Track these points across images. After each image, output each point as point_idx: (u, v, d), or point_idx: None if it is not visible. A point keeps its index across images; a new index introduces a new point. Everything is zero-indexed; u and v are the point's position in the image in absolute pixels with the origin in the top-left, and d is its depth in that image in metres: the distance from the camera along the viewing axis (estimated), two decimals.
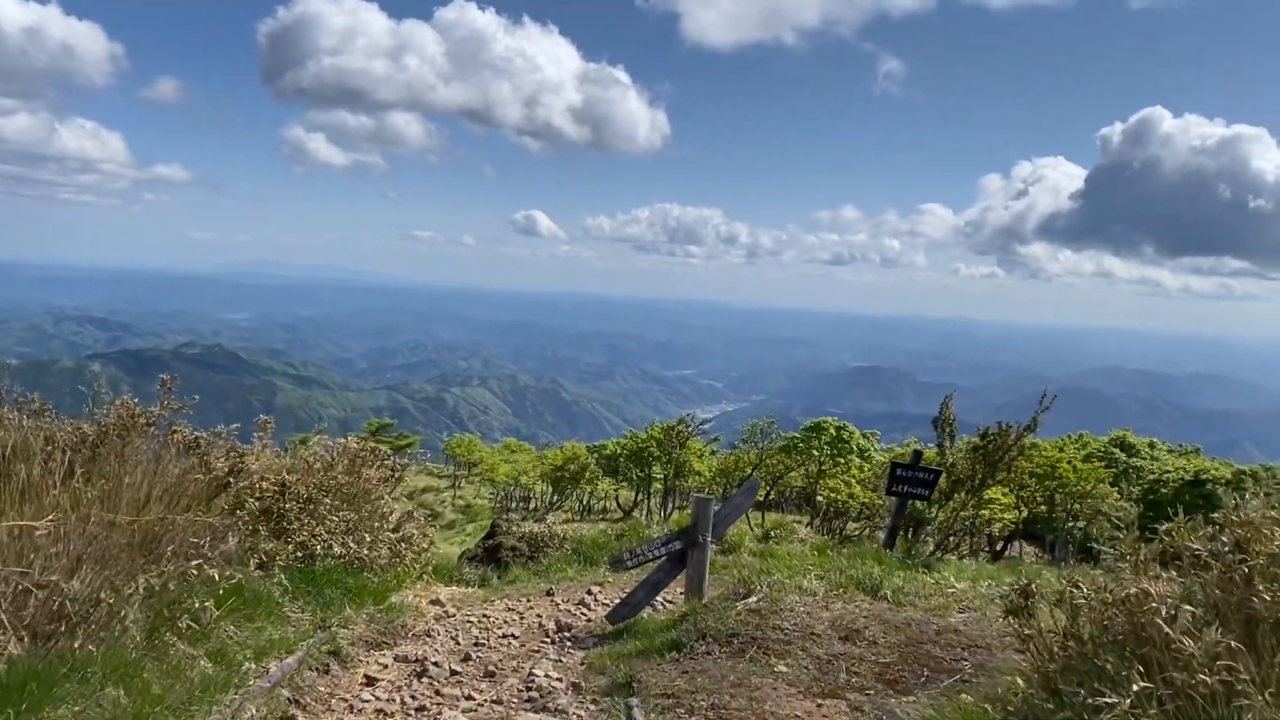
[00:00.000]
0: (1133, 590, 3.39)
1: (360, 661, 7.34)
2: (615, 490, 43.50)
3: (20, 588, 5.09)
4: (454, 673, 7.31)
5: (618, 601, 9.77)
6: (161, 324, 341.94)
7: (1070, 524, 21.64)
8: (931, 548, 15.06)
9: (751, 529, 15.36)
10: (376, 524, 9.39)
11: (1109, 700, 3.13)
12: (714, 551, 9.95)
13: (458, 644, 8.22)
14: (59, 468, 6.30)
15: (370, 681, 6.90)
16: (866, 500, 24.27)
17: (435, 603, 9.39)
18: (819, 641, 6.96)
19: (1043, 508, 21.54)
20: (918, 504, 16.08)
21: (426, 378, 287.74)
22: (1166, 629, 3.12)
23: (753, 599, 7.85)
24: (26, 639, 4.95)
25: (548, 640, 8.50)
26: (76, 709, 4.46)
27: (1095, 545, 23.69)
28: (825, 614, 7.56)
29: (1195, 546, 3.70)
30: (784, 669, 6.49)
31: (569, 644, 8.36)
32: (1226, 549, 3.59)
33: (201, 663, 5.61)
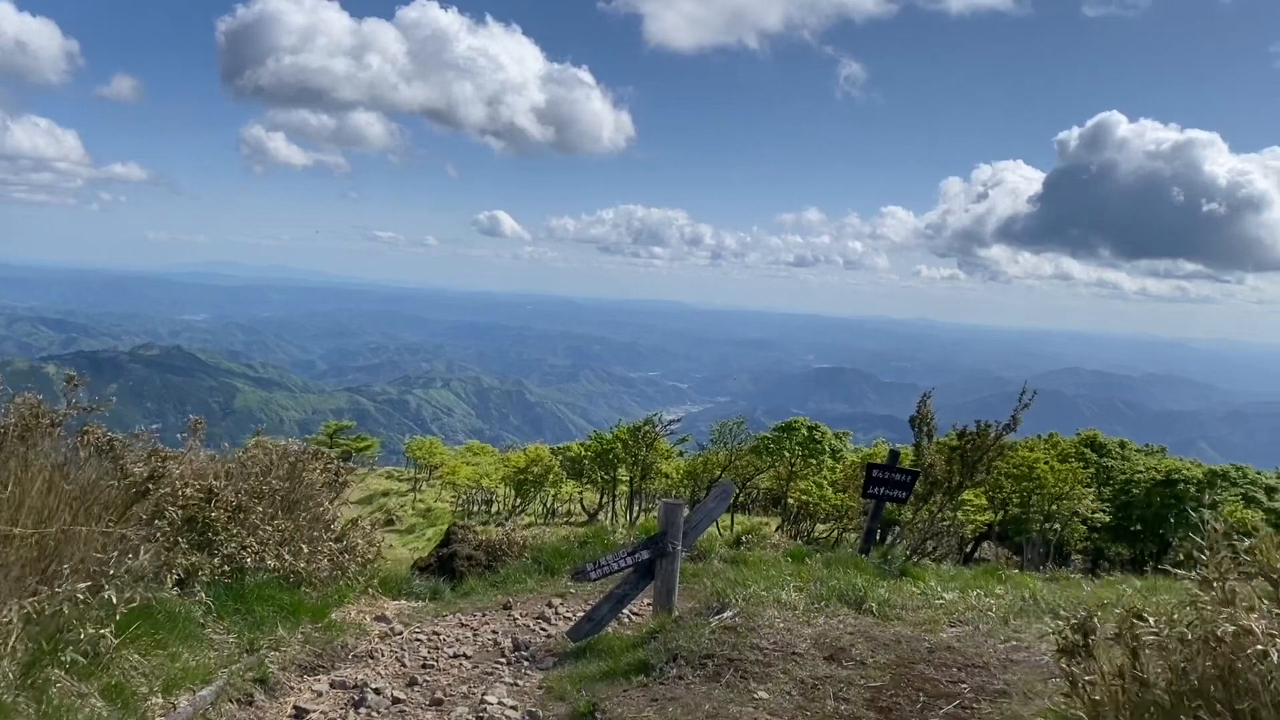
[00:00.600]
0: (1228, 628, 2.71)
1: (291, 689, 6.56)
2: (579, 493, 42.67)
3: None
4: (396, 700, 6.56)
5: (580, 616, 9.06)
6: (118, 325, 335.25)
7: (1044, 525, 21.22)
8: (908, 552, 14.45)
9: (721, 533, 14.72)
10: (317, 533, 8.61)
11: None
12: (683, 559, 9.28)
13: (403, 666, 7.47)
14: None
15: (299, 714, 6.13)
16: (838, 503, 23.70)
17: (381, 619, 8.61)
18: (802, 662, 6.29)
19: (1018, 509, 21.13)
20: (891, 506, 15.51)
21: (388, 379, 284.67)
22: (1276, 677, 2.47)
23: (728, 614, 7.17)
24: None
25: (503, 660, 7.78)
26: None
27: (1067, 547, 23.34)
28: (807, 630, 6.90)
29: None
30: (764, 695, 5.81)
31: (526, 664, 7.65)
32: None
33: (93, 700, 4.82)
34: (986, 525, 22.30)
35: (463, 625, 8.84)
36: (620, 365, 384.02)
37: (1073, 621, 3.54)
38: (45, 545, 5.74)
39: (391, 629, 8.41)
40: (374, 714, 6.25)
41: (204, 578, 7.03)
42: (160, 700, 5.26)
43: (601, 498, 38.99)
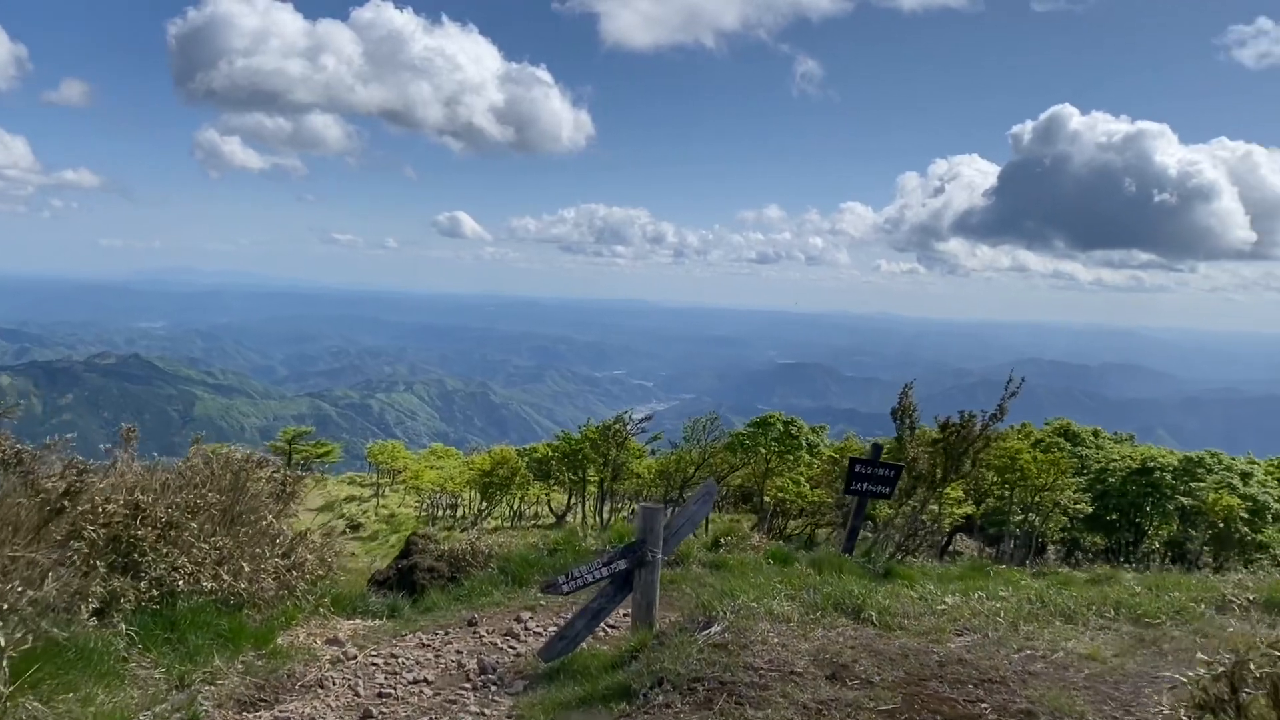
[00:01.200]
0: None
1: None
2: (547, 495, 41.88)
3: None
4: None
5: (552, 632, 8.36)
6: (72, 334, 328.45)
7: (1027, 517, 20.81)
8: (891, 550, 13.91)
9: (698, 535, 14.08)
10: (260, 549, 7.83)
11: None
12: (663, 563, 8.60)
13: (357, 696, 6.73)
14: None
15: None
16: (816, 499, 23.14)
17: (333, 642, 7.84)
18: (802, 683, 5.64)
19: (999, 501, 20.73)
20: (872, 502, 14.97)
21: (350, 384, 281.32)
22: None
23: (715, 628, 6.51)
24: None
25: (468, 685, 7.06)
26: None
27: (1044, 539, 22.98)
28: (804, 645, 6.25)
29: None
30: None
31: (494, 689, 6.94)
32: None
33: None
34: (963, 518, 21.88)
35: (424, 645, 8.10)
36: (585, 365, 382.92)
37: (1214, 670, 2.86)
38: None
39: (345, 653, 7.65)
40: None
41: (127, 605, 6.24)
42: None
43: (570, 499, 38.24)
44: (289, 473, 9.35)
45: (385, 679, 7.17)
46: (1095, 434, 28.35)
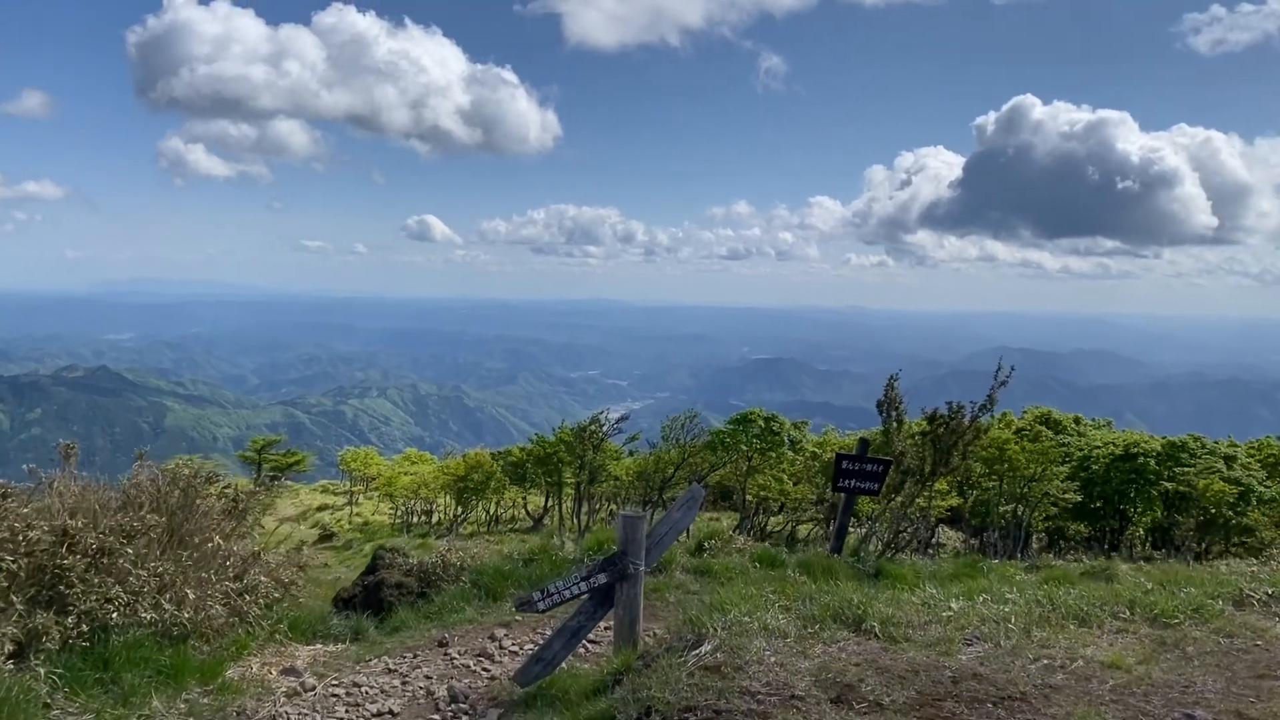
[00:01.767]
0: None
1: None
2: (523, 498, 41.19)
3: None
4: None
5: (530, 650, 7.78)
6: (39, 348, 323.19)
7: (1016, 509, 20.42)
8: (880, 548, 13.44)
9: (681, 539, 13.52)
10: (207, 574, 7.18)
11: None
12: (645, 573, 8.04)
13: None
14: None
15: None
16: (800, 496, 22.62)
17: (289, 672, 7.20)
18: (805, 708, 5.09)
19: (986, 493, 20.32)
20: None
21: (323, 391, 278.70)
22: None
23: (706, 647, 5.95)
24: None
25: (437, 716, 6.48)
26: None
27: (1031, 529, 22.63)
28: (804, 664, 5.70)
29: None
30: None
31: (465, 719, 6.35)
32: None
33: None
34: (948, 510, 21.47)
35: (390, 671, 7.49)
36: (559, 365, 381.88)
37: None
38: None
39: (302, 684, 7.02)
40: None
41: (51, 644, 5.59)
42: None
43: (547, 501, 37.61)
44: (240, 490, 8.69)
45: (346, 711, 6.57)
46: (1077, 421, 28.07)
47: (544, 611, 6.95)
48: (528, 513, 41.03)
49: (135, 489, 8.11)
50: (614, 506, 29.66)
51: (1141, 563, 15.52)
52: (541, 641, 7.69)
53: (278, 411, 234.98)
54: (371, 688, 7.05)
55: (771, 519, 27.93)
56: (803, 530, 26.87)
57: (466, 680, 7.29)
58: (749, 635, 6.04)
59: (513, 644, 8.29)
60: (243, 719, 6.18)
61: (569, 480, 29.02)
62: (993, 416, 24.95)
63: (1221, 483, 20.22)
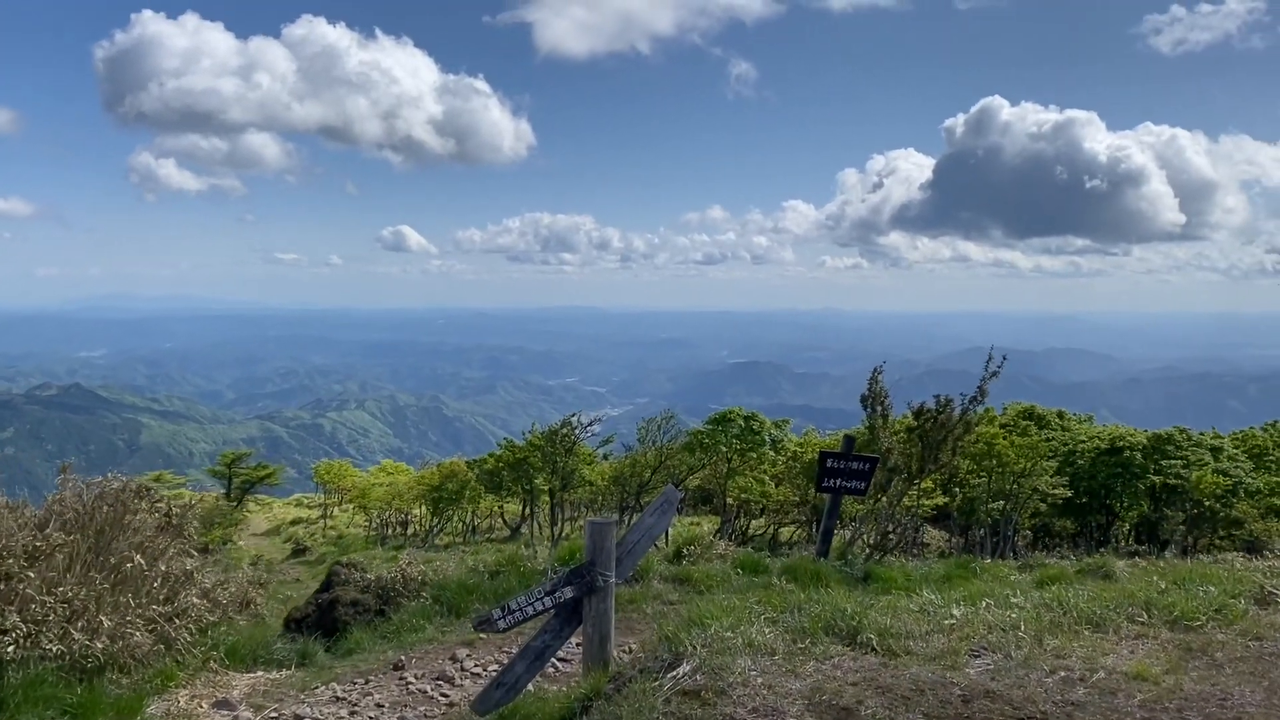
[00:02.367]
0: None
1: None
2: (500, 507, 40.38)
3: None
4: None
5: (494, 672, 7.10)
6: (10, 367, 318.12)
7: (1004, 506, 19.89)
8: (868, 549, 12.82)
9: (659, 546, 12.88)
10: (125, 598, 6.45)
11: None
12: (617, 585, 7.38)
13: None
14: None
15: None
16: (783, 498, 21.99)
17: (222, 705, 6.47)
18: None
19: (974, 491, 19.78)
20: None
21: (300, 404, 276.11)
22: None
23: (684, 668, 5.28)
24: None
25: None
26: None
27: (1018, 527, 22.13)
28: (795, 685, 5.05)
29: None
30: None
31: None
32: None
33: None
34: (934, 509, 20.94)
35: (338, 700, 6.78)
36: (538, 374, 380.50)
37: None
38: None
39: (236, 717, 6.30)
40: None
41: None
42: None
43: (525, 509, 36.87)
44: (175, 504, 7.96)
45: None
46: (1060, 415, 27.66)
47: (505, 630, 6.28)
48: (505, 522, 40.24)
49: (60, 505, 7.38)
50: (592, 513, 28.96)
51: (1136, 559, 15.01)
52: (507, 662, 7.03)
53: (255, 426, 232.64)
54: (315, 719, 6.35)
55: (753, 522, 27.32)
56: (785, 533, 26.27)
57: (422, 708, 6.61)
58: (732, 653, 5.38)
59: (475, 665, 7.61)
60: None
61: (542, 487, 28.28)
62: (985, 408, 24.52)
63: (1214, 475, 19.79)
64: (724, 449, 23.67)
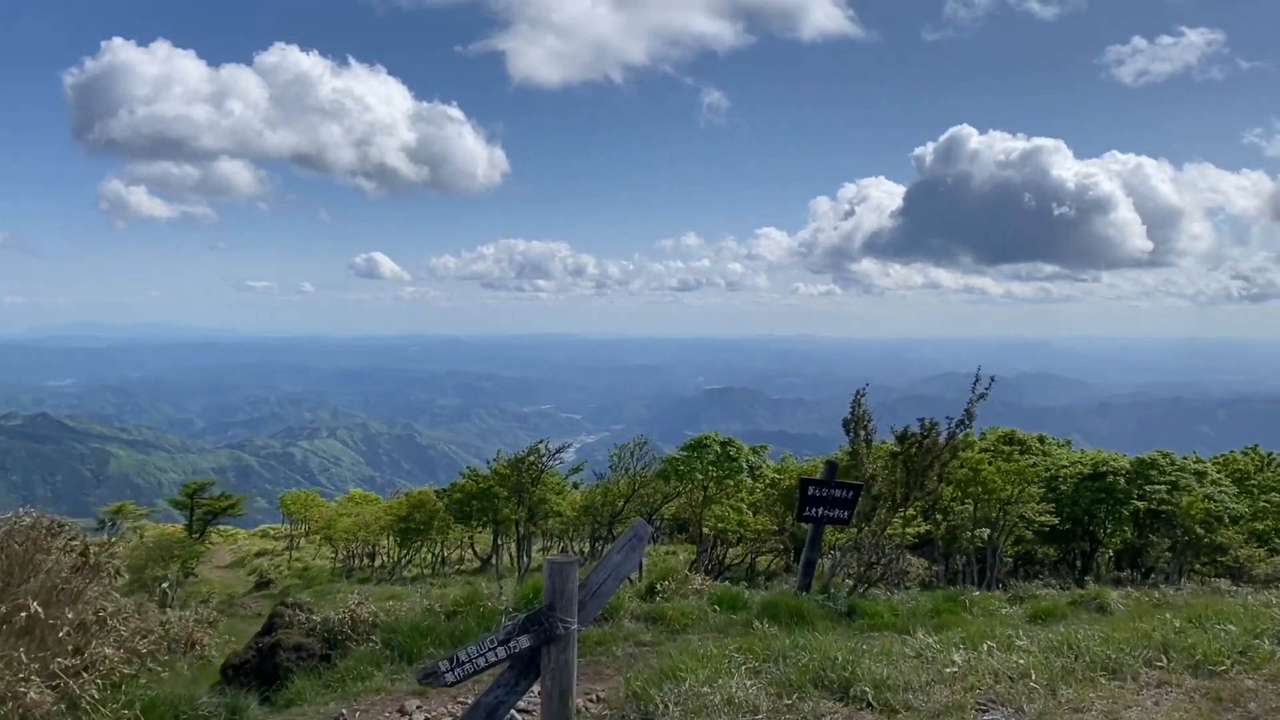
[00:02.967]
0: None
1: None
2: (470, 537, 39.42)
3: None
4: None
5: None
6: None
7: (990, 535, 19.33)
8: (851, 582, 12.18)
9: (632, 580, 12.19)
10: (18, 651, 5.69)
11: None
12: (581, 629, 6.68)
13: None
14: None
15: None
16: (760, 527, 21.31)
17: None
18: None
19: (957, 519, 19.23)
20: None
21: (271, 433, 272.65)
22: None
23: None
24: None
25: None
26: None
27: (1002, 555, 21.56)
28: None
29: None
30: None
31: None
32: None
33: None
34: (916, 537, 20.35)
35: None
36: (512, 401, 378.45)
37: None
38: None
39: None
40: None
41: None
42: None
43: (496, 539, 36.00)
44: (90, 540, 7.19)
45: None
46: (1041, 440, 27.25)
47: (453, 684, 5.57)
48: (475, 553, 39.28)
49: None
50: (564, 545, 28.07)
51: (1126, 589, 14.48)
52: (461, 714, 6.31)
53: (225, 455, 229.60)
54: None
55: (730, 551, 26.63)
56: (763, 562, 25.58)
57: None
58: (709, 712, 4.71)
59: (425, 718, 6.88)
60: None
61: (510, 517, 27.48)
62: (966, 433, 23.99)
63: (1203, 500, 19.36)
64: (700, 476, 22.98)
